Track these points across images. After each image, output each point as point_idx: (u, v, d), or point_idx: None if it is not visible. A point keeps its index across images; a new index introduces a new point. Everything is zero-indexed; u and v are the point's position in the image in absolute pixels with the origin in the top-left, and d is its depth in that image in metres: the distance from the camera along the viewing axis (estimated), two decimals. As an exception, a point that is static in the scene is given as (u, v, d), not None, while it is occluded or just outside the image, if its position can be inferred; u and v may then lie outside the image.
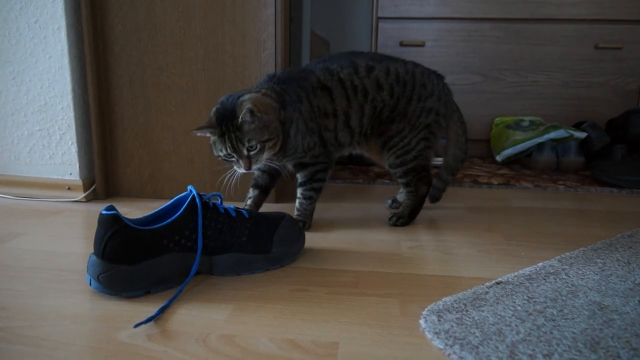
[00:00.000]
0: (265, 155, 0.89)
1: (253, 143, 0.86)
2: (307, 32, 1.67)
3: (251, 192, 1.03)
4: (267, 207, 1.10)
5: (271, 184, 1.04)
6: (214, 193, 0.78)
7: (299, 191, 1.00)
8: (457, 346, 0.56)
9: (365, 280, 0.76)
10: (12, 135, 1.25)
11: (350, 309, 0.66)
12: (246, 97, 0.87)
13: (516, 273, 0.78)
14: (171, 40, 1.18)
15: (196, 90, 1.20)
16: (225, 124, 0.85)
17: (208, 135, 0.89)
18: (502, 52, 2.03)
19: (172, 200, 0.75)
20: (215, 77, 1.19)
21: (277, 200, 1.24)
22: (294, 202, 1.02)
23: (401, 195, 1.20)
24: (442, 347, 0.56)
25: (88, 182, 1.25)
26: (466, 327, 0.60)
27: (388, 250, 0.90)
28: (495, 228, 1.06)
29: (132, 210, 1.15)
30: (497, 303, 0.67)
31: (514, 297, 0.69)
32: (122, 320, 0.62)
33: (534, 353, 0.54)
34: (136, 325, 0.60)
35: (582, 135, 1.81)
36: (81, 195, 1.23)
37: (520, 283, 0.74)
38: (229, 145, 0.86)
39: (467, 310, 0.65)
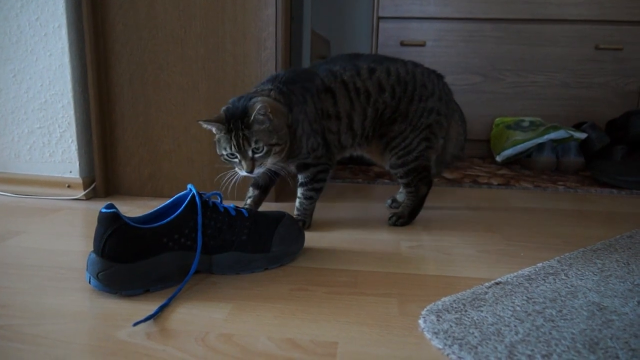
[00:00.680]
0: (270, 160, 0.88)
1: (260, 145, 0.85)
2: (307, 32, 1.67)
3: (251, 191, 1.03)
4: (266, 206, 1.10)
5: (271, 183, 1.04)
6: (214, 192, 0.78)
7: (299, 191, 1.00)
8: (456, 346, 0.56)
9: (364, 280, 0.76)
10: (13, 133, 1.25)
11: (350, 308, 0.66)
12: (259, 99, 0.87)
13: (515, 273, 0.79)
14: (172, 39, 1.18)
15: (197, 89, 1.20)
16: (234, 122, 0.84)
17: (214, 131, 0.88)
18: (502, 52, 2.03)
19: (171, 198, 0.75)
20: (216, 76, 1.19)
21: (277, 199, 1.24)
22: (294, 201, 1.02)
23: (401, 195, 1.20)
24: (441, 347, 0.56)
25: (88, 180, 1.25)
26: (465, 327, 0.60)
27: (387, 250, 0.90)
28: (495, 228, 1.06)
29: (132, 209, 1.15)
30: (496, 303, 0.67)
31: (513, 297, 0.69)
32: (121, 319, 0.62)
33: (532, 353, 0.54)
34: (135, 324, 0.60)
35: (582, 135, 1.81)
36: (81, 193, 1.23)
37: (520, 283, 0.74)
38: (234, 143, 0.85)
39: (466, 311, 0.65)
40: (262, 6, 1.14)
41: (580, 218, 1.16)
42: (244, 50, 1.17)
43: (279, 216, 0.83)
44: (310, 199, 1.00)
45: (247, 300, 0.68)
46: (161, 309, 0.64)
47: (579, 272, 0.79)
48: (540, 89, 2.05)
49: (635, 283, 0.75)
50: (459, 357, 0.54)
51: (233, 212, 0.77)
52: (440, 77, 1.07)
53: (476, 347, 0.55)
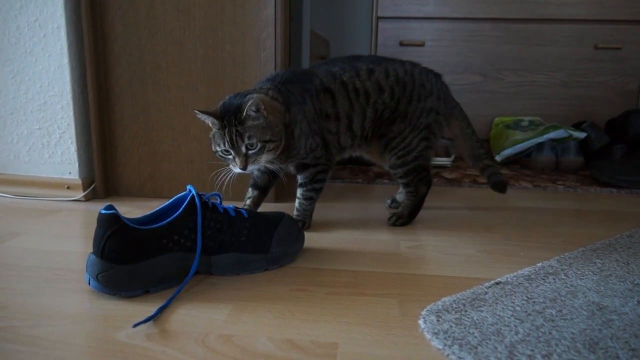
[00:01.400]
0: (264, 157, 0.88)
1: (253, 141, 0.85)
2: (307, 32, 1.67)
3: (250, 192, 1.03)
4: (266, 207, 1.10)
5: (270, 184, 1.04)
6: (213, 193, 0.78)
7: (299, 191, 1.00)
8: (456, 346, 0.56)
9: (364, 280, 0.76)
10: (12, 134, 1.25)
11: (350, 309, 0.66)
12: (254, 95, 0.87)
13: (515, 273, 0.78)
14: (171, 39, 1.18)
15: (196, 90, 1.20)
16: (228, 117, 0.84)
17: (209, 124, 0.88)
18: (502, 52, 2.03)
19: (171, 199, 0.75)
20: (215, 77, 1.19)
21: (277, 199, 1.24)
22: (294, 201, 1.02)
23: (400, 195, 1.20)
24: (440, 347, 0.56)
25: (87, 181, 1.25)
26: (465, 328, 0.60)
27: (387, 250, 0.90)
28: (495, 228, 1.06)
29: (132, 210, 1.15)
30: (496, 303, 0.67)
31: (513, 297, 0.69)
32: (121, 320, 0.62)
33: (532, 353, 0.54)
34: (135, 325, 0.60)
35: (581, 135, 1.81)
36: (80, 194, 1.23)
37: (520, 283, 0.74)
38: (228, 139, 0.84)
39: (466, 311, 0.65)
40: (261, 6, 1.14)
41: (580, 217, 1.16)
42: (244, 51, 1.17)
43: (279, 217, 0.83)
44: (310, 200, 1.00)
45: (247, 301, 0.68)
46: (161, 310, 0.63)
47: (578, 272, 0.79)
48: (539, 88, 2.05)
49: (635, 283, 0.75)
50: (459, 358, 0.53)
51: (232, 213, 0.77)
52: (438, 76, 1.07)
53: (476, 347, 0.55)
